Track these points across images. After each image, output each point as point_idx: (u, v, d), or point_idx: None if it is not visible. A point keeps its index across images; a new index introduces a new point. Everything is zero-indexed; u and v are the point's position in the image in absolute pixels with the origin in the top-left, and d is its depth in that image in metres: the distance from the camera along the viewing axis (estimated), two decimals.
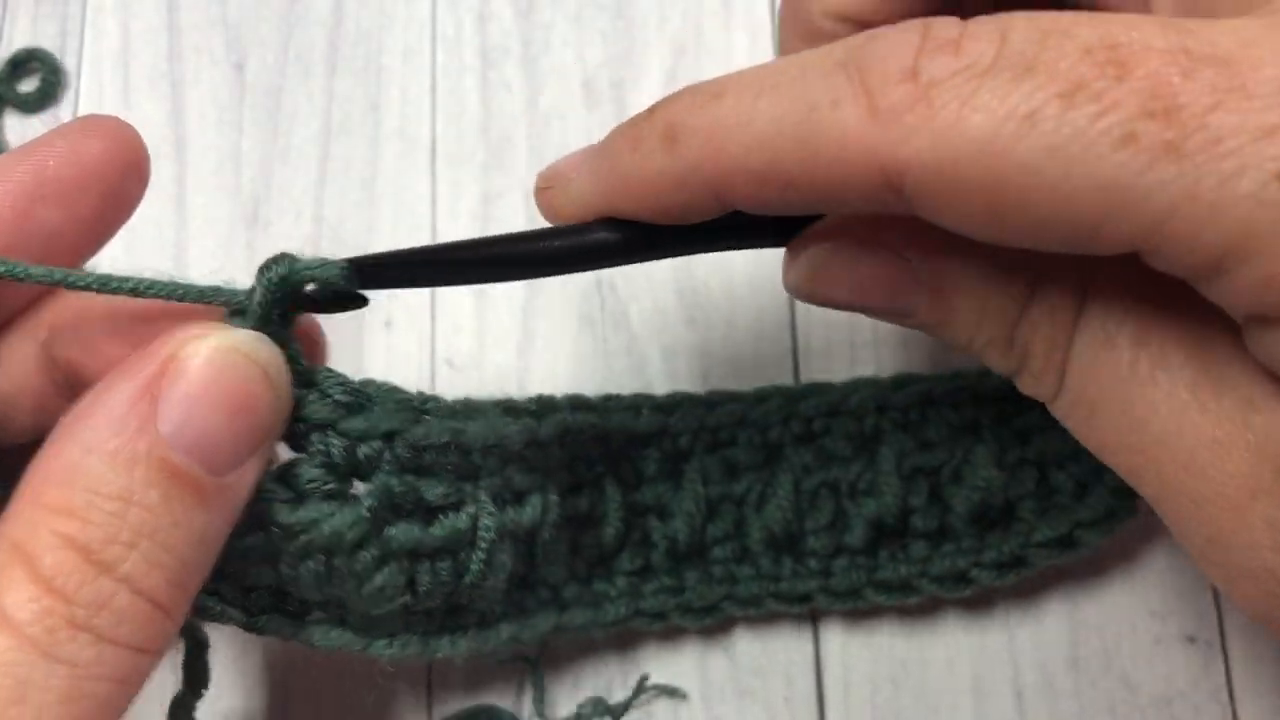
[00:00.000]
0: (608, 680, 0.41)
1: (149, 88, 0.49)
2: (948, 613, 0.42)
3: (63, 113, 0.49)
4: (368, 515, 0.31)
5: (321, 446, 0.31)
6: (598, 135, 0.48)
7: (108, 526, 0.26)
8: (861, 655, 0.41)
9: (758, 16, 0.49)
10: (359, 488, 0.31)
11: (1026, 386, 0.30)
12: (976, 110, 0.24)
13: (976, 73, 0.24)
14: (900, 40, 0.25)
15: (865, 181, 0.25)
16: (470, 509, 0.33)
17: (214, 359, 0.28)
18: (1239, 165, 0.23)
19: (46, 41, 0.49)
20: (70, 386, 0.32)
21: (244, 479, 0.29)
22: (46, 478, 0.27)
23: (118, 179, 0.33)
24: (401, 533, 0.32)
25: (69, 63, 0.49)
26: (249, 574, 0.31)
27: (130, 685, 0.26)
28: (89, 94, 0.49)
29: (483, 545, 0.33)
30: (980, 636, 0.41)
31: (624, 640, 0.41)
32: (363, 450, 0.31)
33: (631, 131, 0.30)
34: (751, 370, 0.44)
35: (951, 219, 0.26)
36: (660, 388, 0.44)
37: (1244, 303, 0.25)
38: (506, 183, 0.47)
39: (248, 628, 0.32)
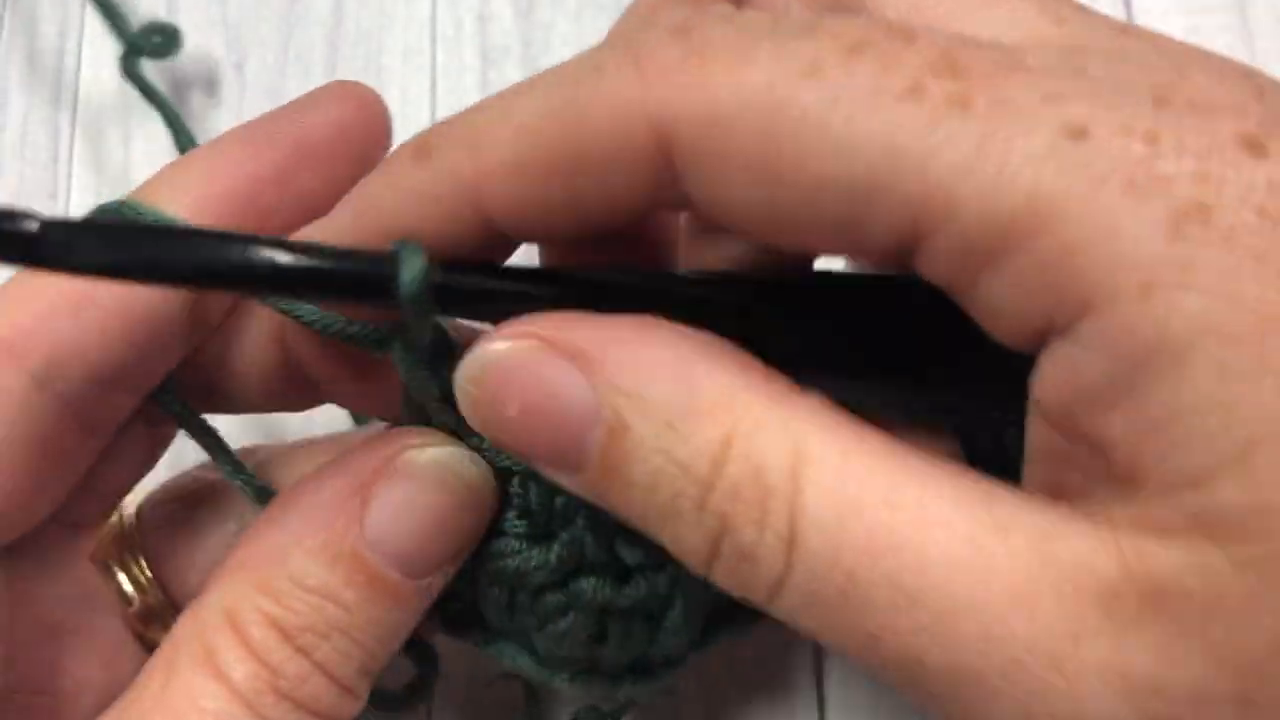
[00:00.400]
0: None
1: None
2: None
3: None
4: (554, 563, 0.30)
5: (520, 494, 0.30)
6: None
7: (307, 616, 0.28)
8: None
9: None
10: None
11: (730, 575, 0.24)
12: (754, 63, 0.22)
13: (755, 34, 0.23)
14: (673, 7, 0.24)
15: (634, 151, 0.23)
16: (671, 571, 0.31)
17: (428, 473, 0.29)
18: (1030, 124, 0.21)
19: (45, 42, 0.50)
20: (298, 368, 0.31)
21: (437, 583, 0.30)
22: (256, 553, 0.28)
23: (371, 145, 0.32)
24: (591, 587, 0.30)
25: (68, 63, 0.49)
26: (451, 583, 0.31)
27: None
28: (88, 95, 0.49)
29: (677, 611, 0.31)
30: None
31: None
32: (559, 501, 0.30)
33: (385, 158, 0.28)
34: None
35: (724, 191, 0.23)
36: None
37: (1037, 303, 0.22)
38: None
39: (444, 631, 0.33)
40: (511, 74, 0.48)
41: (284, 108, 0.32)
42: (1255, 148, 0.21)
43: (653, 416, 0.23)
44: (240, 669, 0.27)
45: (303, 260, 0.24)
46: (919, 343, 0.27)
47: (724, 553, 0.23)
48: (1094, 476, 0.22)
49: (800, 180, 0.22)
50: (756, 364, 0.24)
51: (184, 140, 0.46)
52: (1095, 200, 0.21)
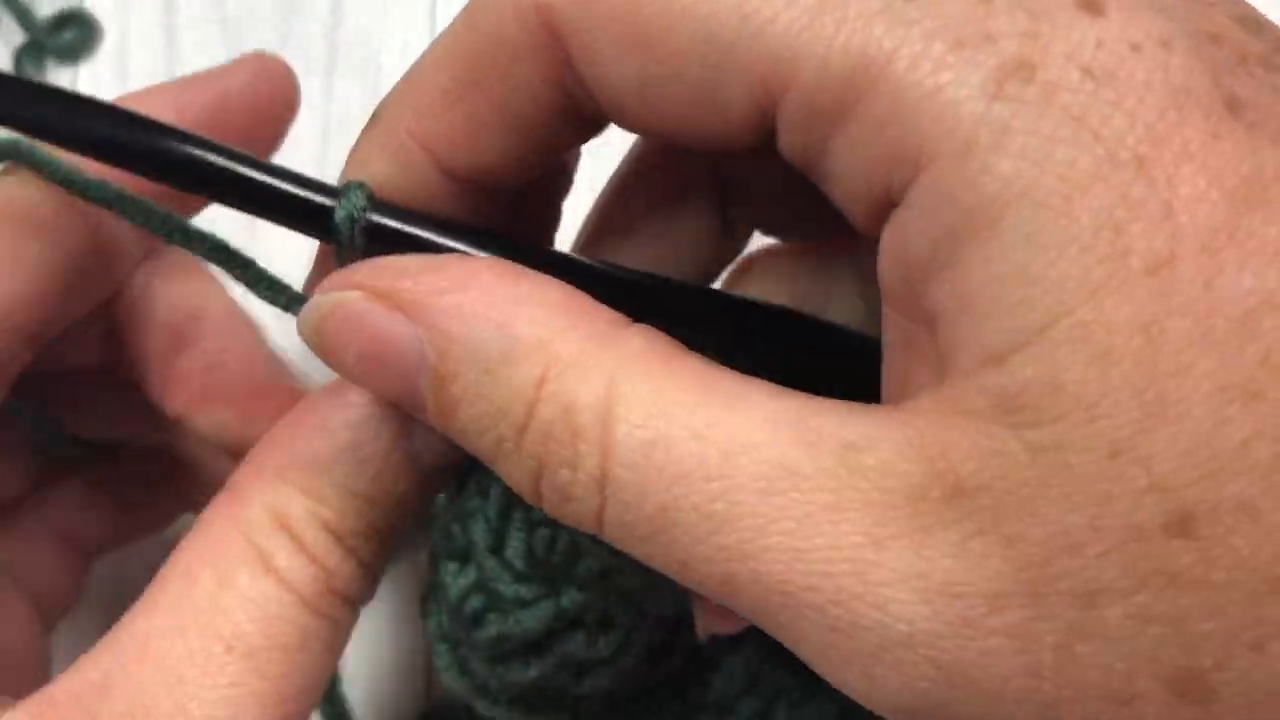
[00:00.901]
0: None
1: (147, 86, 0.49)
2: None
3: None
4: (548, 620, 0.29)
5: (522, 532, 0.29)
6: (598, 135, 0.48)
7: (354, 521, 0.28)
8: None
9: None
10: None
11: (556, 510, 0.25)
12: None
13: None
14: None
15: (529, 42, 0.25)
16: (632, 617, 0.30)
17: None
18: None
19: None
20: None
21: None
22: (293, 457, 0.28)
23: (284, 112, 0.35)
24: (580, 643, 0.30)
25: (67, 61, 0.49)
26: None
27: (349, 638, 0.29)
28: (87, 93, 0.49)
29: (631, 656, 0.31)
30: None
31: None
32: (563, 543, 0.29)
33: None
34: None
35: (602, 69, 0.24)
36: None
37: (876, 170, 0.22)
38: None
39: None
40: None
41: (207, 72, 0.34)
42: (1092, 7, 0.21)
43: (474, 362, 0.24)
44: (300, 572, 0.27)
45: (249, 170, 0.27)
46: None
47: (545, 492, 0.24)
48: (930, 365, 0.22)
49: (664, 49, 0.23)
50: (585, 303, 0.25)
51: None
52: (923, 57, 0.20)
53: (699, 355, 0.24)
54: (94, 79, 0.49)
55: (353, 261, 0.27)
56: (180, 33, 0.49)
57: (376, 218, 0.27)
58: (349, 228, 0.27)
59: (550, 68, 0.25)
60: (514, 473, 0.25)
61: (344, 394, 0.29)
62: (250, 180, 0.27)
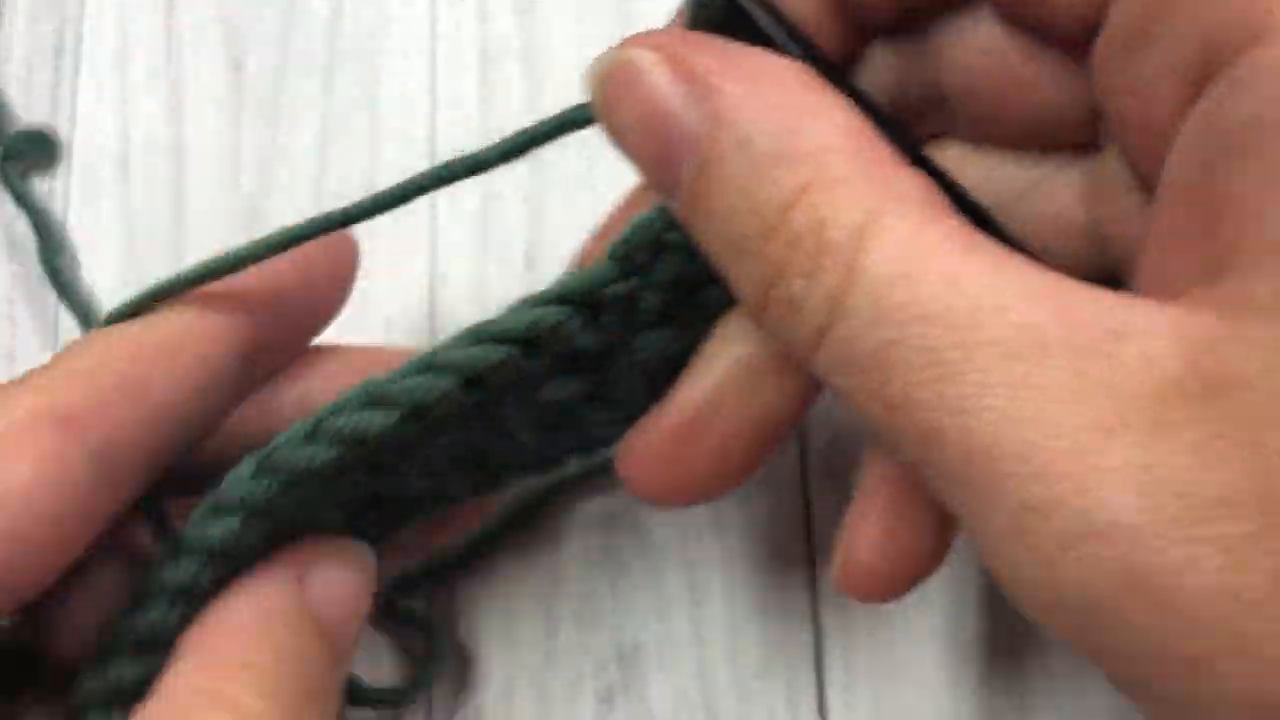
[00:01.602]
0: (607, 683, 0.41)
1: (147, 87, 0.49)
2: (949, 613, 0.42)
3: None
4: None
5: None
6: (598, 135, 0.48)
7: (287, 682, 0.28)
8: (862, 655, 0.42)
9: None
10: None
11: (776, 322, 0.24)
12: None
13: None
14: None
15: None
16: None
17: (346, 571, 0.31)
18: None
19: (44, 41, 0.49)
20: None
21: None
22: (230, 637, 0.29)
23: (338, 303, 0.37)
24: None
25: (66, 62, 0.49)
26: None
27: None
28: (87, 94, 0.49)
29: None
30: (982, 636, 0.42)
31: (624, 643, 0.41)
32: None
33: None
34: None
35: None
36: None
37: (1203, 43, 0.21)
38: (506, 182, 0.47)
39: None
40: (512, 73, 0.48)
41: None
42: None
43: (744, 152, 0.24)
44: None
45: None
46: None
47: (771, 300, 0.24)
48: (1201, 260, 0.21)
49: None
50: (872, 134, 0.24)
51: (51, 251, 0.44)
52: None
53: (963, 217, 0.23)
54: (95, 80, 0.49)
55: (700, 29, 0.27)
56: (181, 33, 0.49)
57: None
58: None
59: None
60: (745, 273, 0.24)
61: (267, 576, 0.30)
62: None
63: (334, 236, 0.33)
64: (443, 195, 0.47)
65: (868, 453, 0.29)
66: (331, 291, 0.35)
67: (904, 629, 0.42)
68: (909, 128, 0.29)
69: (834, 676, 0.41)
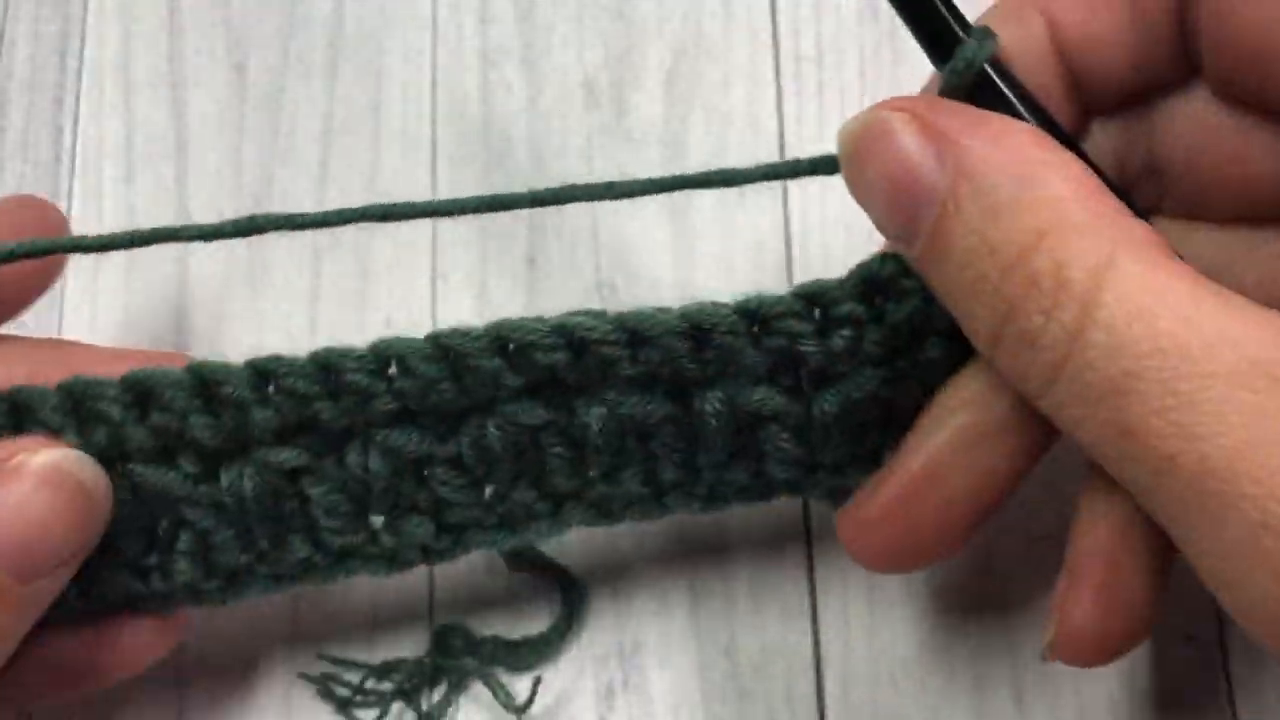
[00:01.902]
0: (608, 680, 0.41)
1: (150, 89, 0.49)
2: (947, 612, 0.42)
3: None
4: None
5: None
6: (598, 136, 0.49)
7: None
8: (861, 655, 0.42)
9: (758, 16, 0.49)
10: None
11: (1009, 358, 0.27)
12: None
13: None
14: None
15: None
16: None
17: (39, 475, 0.30)
18: None
19: (47, 43, 0.50)
20: None
21: (50, 587, 0.31)
22: None
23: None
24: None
25: (70, 64, 0.49)
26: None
27: None
28: (90, 96, 0.49)
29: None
30: (980, 636, 0.42)
31: (624, 642, 0.42)
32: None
33: None
34: None
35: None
36: None
37: None
38: (507, 183, 0.47)
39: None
40: (512, 75, 0.48)
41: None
42: None
43: (983, 201, 0.26)
44: None
45: None
46: None
47: (1006, 335, 0.26)
48: None
49: None
50: (1096, 183, 0.27)
51: None
52: None
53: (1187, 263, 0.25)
54: (98, 81, 0.49)
55: (949, 96, 0.30)
56: (183, 35, 0.50)
57: (989, 69, 0.30)
58: (964, 65, 0.30)
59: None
60: (981, 310, 0.26)
61: None
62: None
63: (39, 216, 0.36)
64: (443, 194, 0.47)
65: (1076, 528, 0.31)
66: (29, 280, 0.37)
67: (902, 628, 0.42)
68: (1128, 194, 0.31)
69: (832, 674, 0.41)
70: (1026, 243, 0.25)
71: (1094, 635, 0.30)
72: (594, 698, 0.41)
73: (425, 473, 0.35)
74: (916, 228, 0.27)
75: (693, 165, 0.47)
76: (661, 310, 0.34)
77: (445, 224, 0.47)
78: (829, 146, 0.47)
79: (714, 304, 0.33)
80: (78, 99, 0.49)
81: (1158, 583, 0.30)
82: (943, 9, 0.31)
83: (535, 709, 0.41)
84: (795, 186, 0.47)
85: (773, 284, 0.45)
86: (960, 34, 0.31)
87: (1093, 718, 0.41)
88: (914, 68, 0.47)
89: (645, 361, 0.33)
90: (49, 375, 0.33)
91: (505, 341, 0.34)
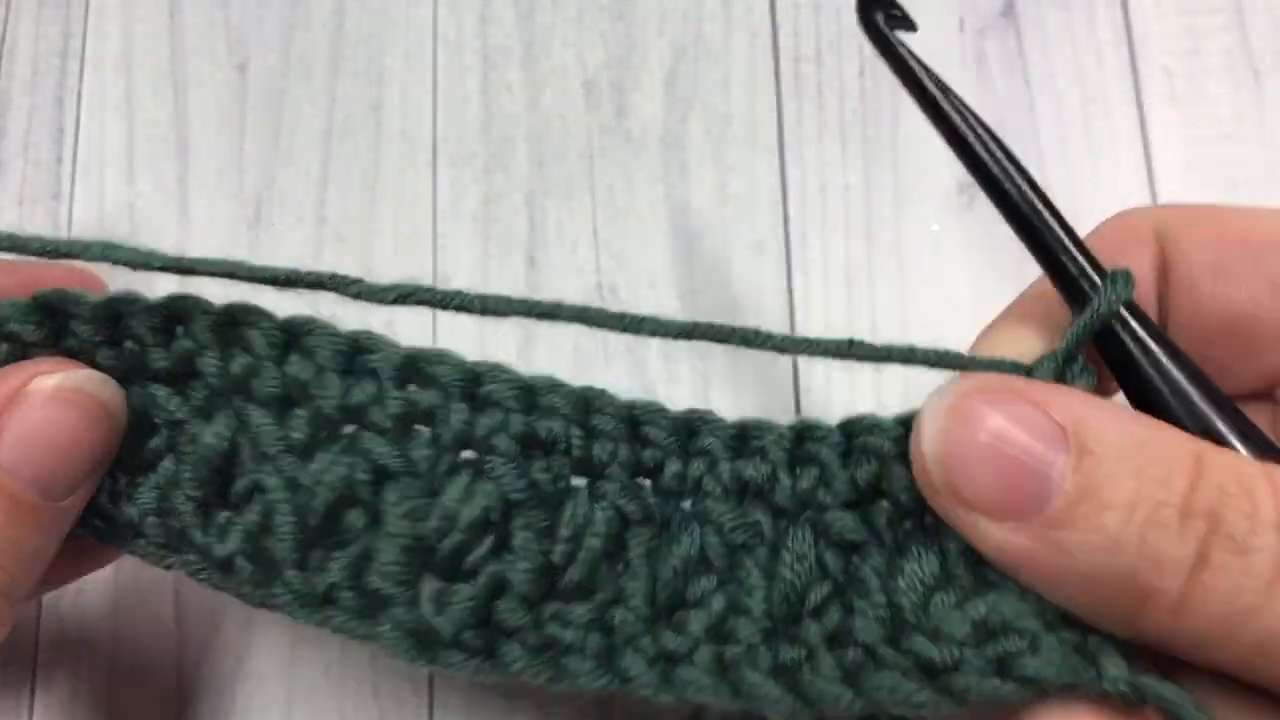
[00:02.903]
0: None
1: (152, 89, 0.49)
2: None
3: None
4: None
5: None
6: (598, 136, 0.49)
7: None
8: None
9: (758, 17, 0.49)
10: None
11: (1221, 576, 0.25)
12: None
13: None
14: None
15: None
16: None
17: (57, 396, 0.31)
18: None
19: (49, 44, 0.50)
20: None
21: (75, 504, 0.32)
22: None
23: None
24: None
25: (71, 65, 0.50)
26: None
27: None
28: (92, 96, 0.49)
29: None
30: None
31: None
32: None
33: None
34: (751, 374, 0.44)
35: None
36: (660, 390, 0.44)
37: None
38: (508, 183, 0.47)
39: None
40: (513, 76, 0.49)
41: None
42: None
43: (1121, 444, 0.26)
44: None
45: (1052, 219, 0.31)
46: None
47: (1214, 553, 0.25)
48: None
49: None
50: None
51: None
52: None
53: None
54: (100, 82, 0.49)
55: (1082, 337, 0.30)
56: (185, 36, 0.50)
57: (1126, 315, 0.30)
58: (1105, 311, 0.30)
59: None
60: (1168, 543, 0.25)
61: None
62: (1047, 228, 0.31)
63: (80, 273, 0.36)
64: (443, 195, 0.47)
65: None
66: None
67: None
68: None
69: None
70: (1191, 463, 0.26)
71: None
72: (595, 697, 0.41)
73: (503, 538, 0.32)
74: (1041, 494, 0.26)
75: (693, 165, 0.47)
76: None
77: (446, 224, 0.47)
78: (828, 146, 0.47)
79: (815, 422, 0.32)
80: (79, 100, 0.49)
81: None
82: (1075, 251, 0.31)
83: (534, 709, 0.41)
84: (795, 184, 0.47)
85: (772, 282, 0.45)
86: (1092, 275, 0.31)
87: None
88: None
89: (743, 475, 0.32)
90: None
91: (633, 416, 0.32)
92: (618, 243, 0.46)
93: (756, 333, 0.32)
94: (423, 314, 0.46)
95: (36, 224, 0.47)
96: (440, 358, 0.32)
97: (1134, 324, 0.30)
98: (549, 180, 0.47)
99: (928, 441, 0.28)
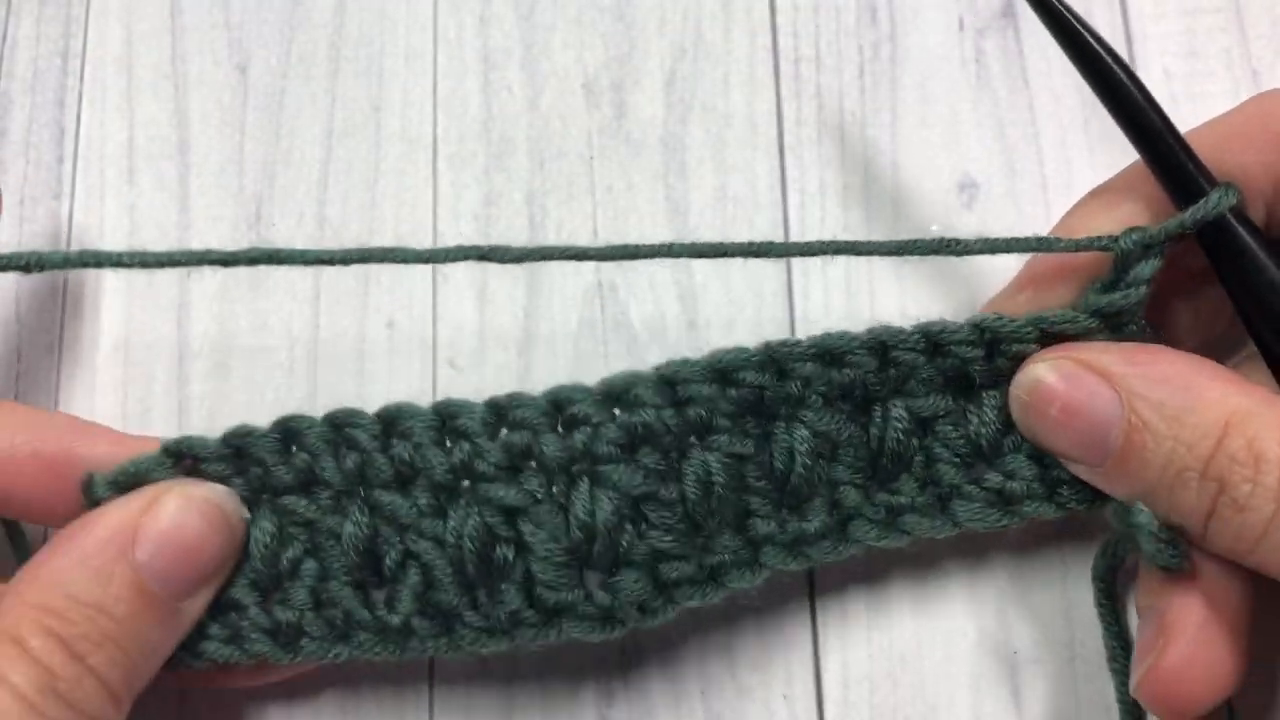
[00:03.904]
0: (608, 679, 0.42)
1: (152, 89, 0.49)
2: (946, 610, 0.42)
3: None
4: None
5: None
6: (598, 136, 0.49)
7: (83, 626, 0.33)
8: (860, 653, 0.42)
9: (758, 17, 0.49)
10: None
11: (1223, 526, 0.33)
12: None
13: None
14: None
15: None
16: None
17: (187, 506, 0.35)
18: None
19: (50, 43, 0.50)
20: None
21: (195, 605, 0.36)
22: (34, 580, 0.34)
23: None
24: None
25: (72, 65, 0.50)
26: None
27: None
28: (92, 96, 0.49)
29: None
30: (978, 633, 0.42)
31: (624, 641, 0.42)
32: None
33: None
34: None
35: None
36: None
37: None
38: (508, 184, 0.47)
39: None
40: (513, 76, 0.49)
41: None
42: None
43: (1162, 413, 0.33)
44: (22, 675, 0.32)
45: (1168, 133, 0.37)
46: None
47: (1220, 507, 0.33)
48: None
49: None
50: (1241, 379, 0.34)
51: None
52: None
53: None
54: (101, 82, 0.49)
55: (1176, 239, 0.36)
56: (185, 36, 0.50)
57: (1230, 217, 0.36)
58: (1210, 210, 0.36)
59: None
60: (1189, 497, 0.33)
61: (90, 521, 0.35)
62: (1164, 132, 0.37)
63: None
64: (444, 195, 0.48)
65: (1177, 596, 0.36)
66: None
67: (901, 628, 0.42)
68: None
69: (831, 673, 0.41)
70: (1216, 433, 0.32)
71: (1178, 681, 0.35)
72: (595, 696, 0.42)
73: (641, 522, 0.37)
74: (1103, 449, 0.34)
75: (693, 165, 0.47)
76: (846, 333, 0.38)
77: (446, 225, 0.47)
78: (828, 146, 0.47)
79: (897, 327, 0.38)
80: (80, 100, 0.49)
81: (1242, 648, 0.35)
82: (1186, 160, 0.36)
83: (535, 708, 0.41)
84: (794, 185, 0.47)
85: (773, 283, 0.45)
86: (1203, 184, 0.36)
87: (1091, 717, 0.41)
88: (914, 68, 0.48)
89: (837, 381, 0.38)
90: (49, 443, 0.37)
91: (720, 368, 0.37)
92: (617, 242, 0.46)
93: (828, 243, 0.38)
94: (423, 314, 0.46)
95: (37, 223, 0.47)
96: (517, 402, 0.37)
97: (1237, 226, 0.36)
98: (549, 180, 0.47)
99: (1017, 412, 0.37)
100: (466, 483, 0.37)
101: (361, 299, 0.46)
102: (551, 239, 0.47)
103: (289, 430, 0.37)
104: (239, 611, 0.37)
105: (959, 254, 0.37)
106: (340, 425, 0.37)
